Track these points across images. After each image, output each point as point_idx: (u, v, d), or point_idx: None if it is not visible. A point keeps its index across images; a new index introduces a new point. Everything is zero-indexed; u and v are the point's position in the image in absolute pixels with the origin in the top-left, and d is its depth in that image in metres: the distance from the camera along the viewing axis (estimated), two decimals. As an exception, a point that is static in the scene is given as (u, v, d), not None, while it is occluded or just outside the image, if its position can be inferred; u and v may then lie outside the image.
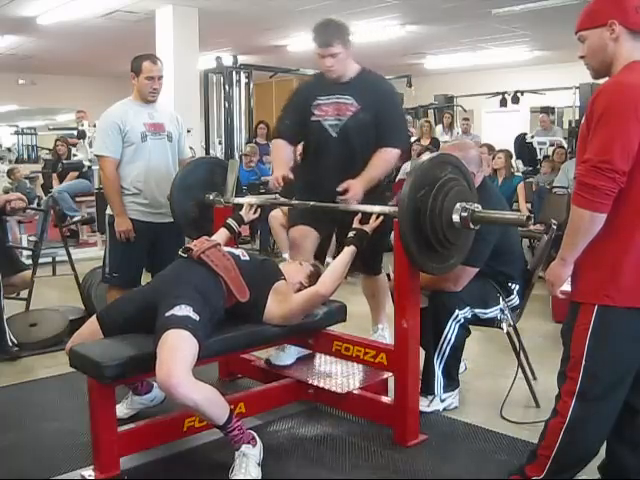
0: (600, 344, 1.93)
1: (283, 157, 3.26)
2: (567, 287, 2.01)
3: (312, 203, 2.92)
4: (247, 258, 2.71)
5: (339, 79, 3.13)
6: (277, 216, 5.28)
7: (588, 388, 1.95)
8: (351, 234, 2.78)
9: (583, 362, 1.94)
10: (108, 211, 3.66)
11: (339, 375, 2.93)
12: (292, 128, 3.26)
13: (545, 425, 2.08)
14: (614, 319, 1.92)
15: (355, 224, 2.81)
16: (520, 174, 8.13)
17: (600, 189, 1.81)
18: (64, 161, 8.01)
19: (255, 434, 2.40)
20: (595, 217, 1.85)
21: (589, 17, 1.97)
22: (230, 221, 3.13)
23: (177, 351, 2.19)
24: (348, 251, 2.74)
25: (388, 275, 3.27)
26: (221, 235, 3.06)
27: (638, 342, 1.94)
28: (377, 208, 2.69)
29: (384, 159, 3.11)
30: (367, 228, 2.78)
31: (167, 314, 2.29)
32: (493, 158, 6.48)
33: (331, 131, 3.16)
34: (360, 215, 2.82)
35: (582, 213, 1.86)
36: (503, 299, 3.02)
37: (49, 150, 10.31)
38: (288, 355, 3.06)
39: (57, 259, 5.73)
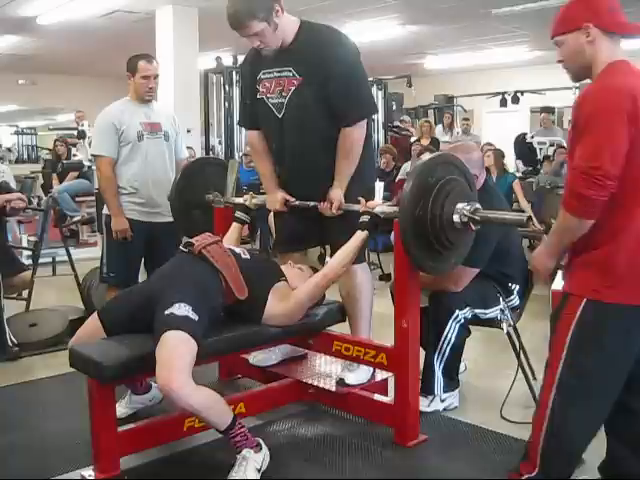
0: (582, 336, 1.93)
1: (268, 167, 2.93)
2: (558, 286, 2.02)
3: (312, 204, 2.83)
4: (248, 257, 2.70)
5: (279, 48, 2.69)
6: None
7: (567, 379, 1.95)
8: (364, 218, 2.66)
9: (564, 351, 1.95)
10: (105, 211, 3.68)
11: (339, 375, 2.93)
12: (253, 108, 2.89)
13: (532, 420, 2.08)
14: (600, 314, 1.91)
15: (363, 207, 2.68)
16: (520, 174, 8.14)
17: (590, 198, 1.81)
18: (64, 161, 8.02)
19: (261, 441, 2.38)
20: (583, 223, 1.87)
21: (564, 22, 1.98)
22: (238, 214, 3.13)
23: (177, 355, 2.18)
24: (359, 235, 2.65)
25: (389, 275, 3.25)
26: (234, 230, 3.08)
27: (621, 339, 1.93)
28: (378, 209, 2.67)
29: (350, 147, 2.71)
30: (378, 211, 2.65)
31: (166, 312, 2.27)
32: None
33: (275, 111, 2.77)
34: (364, 201, 2.69)
35: (570, 219, 1.88)
36: (503, 299, 3.03)
37: (49, 150, 10.31)
38: (274, 354, 3.04)
39: (57, 259, 5.74)
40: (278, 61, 2.72)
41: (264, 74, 2.79)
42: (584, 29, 1.91)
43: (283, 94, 2.73)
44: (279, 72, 2.73)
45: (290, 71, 2.70)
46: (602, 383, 1.96)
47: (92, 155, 3.96)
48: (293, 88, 2.70)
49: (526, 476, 2.07)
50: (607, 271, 1.89)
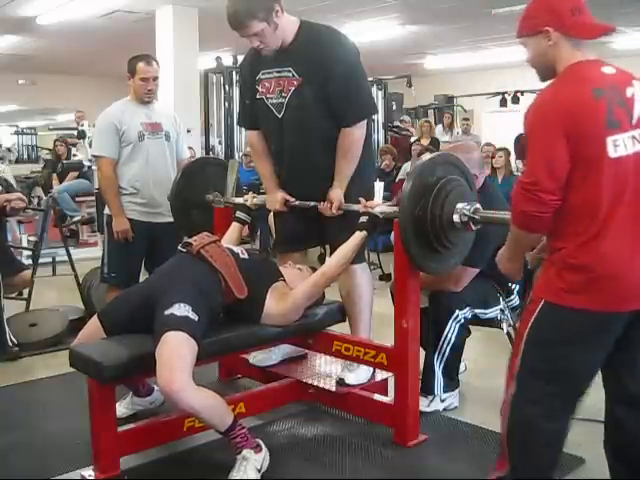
0: (537, 335, 1.91)
1: (268, 167, 2.93)
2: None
3: (312, 203, 2.83)
4: (246, 256, 2.70)
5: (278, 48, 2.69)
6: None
7: (522, 376, 1.94)
8: (363, 219, 2.66)
9: (522, 348, 1.94)
10: (106, 211, 3.68)
11: (339, 375, 2.92)
12: (253, 108, 2.89)
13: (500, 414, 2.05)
14: (555, 316, 1.88)
15: (362, 208, 2.67)
16: (520, 174, 8.12)
17: (529, 213, 1.82)
18: (64, 161, 8.02)
19: (261, 443, 2.38)
20: (531, 235, 1.91)
21: (526, 24, 1.94)
22: (239, 214, 3.12)
23: (177, 356, 2.19)
24: (357, 236, 2.65)
25: (389, 275, 3.25)
26: (234, 230, 3.08)
27: (577, 343, 1.88)
28: (378, 209, 2.67)
29: (350, 148, 2.71)
30: (377, 211, 2.64)
31: (166, 312, 2.27)
32: (493, 157, 6.52)
33: (275, 111, 2.77)
34: (364, 201, 2.68)
35: (517, 231, 1.92)
36: (503, 299, 3.03)
37: (49, 150, 10.30)
38: (274, 354, 3.04)
39: (57, 259, 5.74)
40: (278, 61, 2.73)
41: (264, 74, 2.79)
42: (544, 33, 1.87)
43: (283, 94, 2.73)
44: (279, 72, 2.74)
45: (290, 71, 2.71)
46: (555, 384, 1.91)
47: (93, 156, 3.96)
48: (293, 88, 2.70)
49: (497, 475, 2.04)
50: (563, 276, 1.85)
